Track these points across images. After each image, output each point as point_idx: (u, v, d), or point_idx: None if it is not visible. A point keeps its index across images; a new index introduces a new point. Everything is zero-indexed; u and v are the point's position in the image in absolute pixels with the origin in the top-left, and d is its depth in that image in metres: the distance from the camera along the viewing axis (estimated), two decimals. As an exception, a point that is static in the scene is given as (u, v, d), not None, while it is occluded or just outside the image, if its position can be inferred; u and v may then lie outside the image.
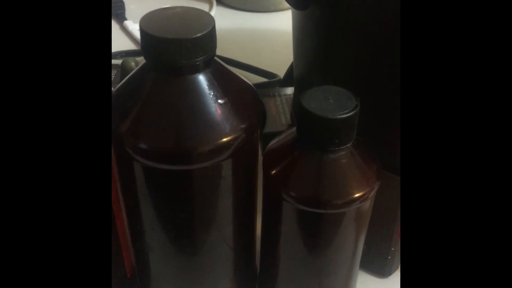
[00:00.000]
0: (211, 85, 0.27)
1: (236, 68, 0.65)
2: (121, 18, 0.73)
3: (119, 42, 0.69)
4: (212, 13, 0.77)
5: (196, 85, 0.27)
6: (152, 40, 0.26)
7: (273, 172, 0.31)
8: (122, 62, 0.42)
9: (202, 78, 0.27)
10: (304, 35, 0.43)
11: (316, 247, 0.32)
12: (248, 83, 0.31)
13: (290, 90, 0.55)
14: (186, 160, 0.27)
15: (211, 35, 0.26)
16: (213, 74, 0.28)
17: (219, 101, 0.27)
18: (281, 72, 0.61)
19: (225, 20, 0.77)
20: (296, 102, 0.29)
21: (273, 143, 0.32)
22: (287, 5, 0.81)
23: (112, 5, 0.74)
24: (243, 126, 0.28)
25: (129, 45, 0.69)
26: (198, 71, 0.27)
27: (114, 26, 0.73)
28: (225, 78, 0.29)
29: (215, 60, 0.28)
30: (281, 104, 0.51)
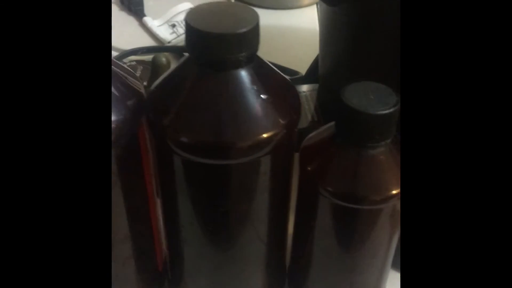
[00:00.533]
0: (253, 80, 0.27)
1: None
2: (140, 15, 0.73)
3: (139, 38, 0.69)
4: (231, 10, 0.77)
5: (239, 80, 0.27)
6: (198, 35, 0.26)
7: (310, 167, 0.31)
8: (153, 58, 0.43)
9: (245, 73, 0.27)
10: (332, 32, 0.43)
11: (350, 243, 0.32)
12: (287, 79, 0.31)
13: (311, 87, 0.55)
14: (228, 154, 0.28)
15: (256, 30, 0.27)
16: (255, 69, 0.28)
17: (261, 96, 0.28)
18: (300, 69, 0.61)
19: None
20: (336, 98, 0.29)
21: (309, 138, 0.32)
22: (305, 2, 0.81)
23: (131, 1, 0.74)
24: (283, 122, 0.28)
25: (149, 42, 0.69)
26: (241, 66, 0.27)
27: (133, 22, 0.73)
28: (266, 73, 0.29)
29: (257, 55, 0.28)
30: (305, 101, 0.52)
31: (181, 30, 0.70)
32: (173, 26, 0.71)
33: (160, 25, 0.71)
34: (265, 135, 0.28)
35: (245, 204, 0.31)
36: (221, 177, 0.29)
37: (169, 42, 0.68)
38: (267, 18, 0.78)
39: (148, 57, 0.63)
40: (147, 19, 0.72)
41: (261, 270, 0.35)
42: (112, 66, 0.30)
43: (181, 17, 0.72)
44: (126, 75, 0.30)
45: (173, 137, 0.28)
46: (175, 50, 0.66)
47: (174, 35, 0.69)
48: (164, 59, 0.42)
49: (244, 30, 0.26)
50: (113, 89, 0.29)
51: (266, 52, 0.70)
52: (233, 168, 0.29)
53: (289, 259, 0.38)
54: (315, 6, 0.81)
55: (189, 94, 0.28)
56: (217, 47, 0.26)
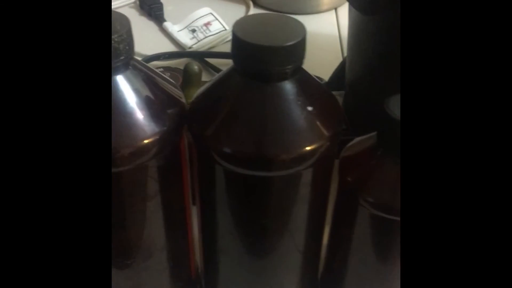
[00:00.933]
0: (298, 92, 0.28)
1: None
2: (161, 20, 0.73)
3: (160, 43, 0.70)
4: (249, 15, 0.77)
5: (284, 92, 0.27)
6: (245, 46, 0.26)
7: (350, 177, 0.31)
8: (185, 66, 0.43)
9: (290, 86, 0.27)
10: (363, 38, 0.43)
11: (388, 254, 0.32)
12: (329, 91, 0.31)
13: (336, 93, 0.55)
14: (271, 166, 0.28)
15: (302, 43, 0.27)
16: (299, 81, 0.28)
17: (306, 108, 0.28)
18: (320, 74, 0.61)
19: (262, 22, 0.77)
20: (380, 108, 0.29)
21: (349, 147, 0.32)
22: (325, 7, 0.81)
23: (151, 6, 0.75)
24: (327, 134, 0.28)
25: (169, 47, 0.69)
26: (286, 78, 0.27)
27: (153, 27, 0.74)
28: (310, 85, 0.29)
29: (301, 67, 0.28)
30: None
31: (201, 35, 0.70)
32: (193, 31, 0.71)
33: (180, 30, 0.71)
34: (308, 148, 0.28)
35: (285, 215, 0.31)
36: (263, 189, 0.29)
37: (190, 47, 0.68)
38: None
39: (172, 63, 0.63)
40: (167, 24, 0.72)
41: (296, 278, 0.36)
42: (153, 75, 0.30)
43: (201, 22, 0.72)
44: (166, 83, 0.31)
45: (216, 147, 0.28)
46: (196, 55, 0.66)
47: (194, 40, 0.69)
48: (196, 67, 0.42)
49: (292, 43, 0.26)
50: (154, 99, 0.29)
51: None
52: (275, 180, 0.29)
53: (322, 267, 0.38)
54: (333, 11, 0.81)
55: (233, 104, 0.28)
56: (264, 59, 0.26)
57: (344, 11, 0.77)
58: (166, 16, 0.75)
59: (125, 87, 0.27)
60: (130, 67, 0.28)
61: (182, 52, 0.67)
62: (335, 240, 0.35)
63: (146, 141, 0.27)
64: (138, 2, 0.78)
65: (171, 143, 0.29)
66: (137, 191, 0.30)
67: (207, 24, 0.72)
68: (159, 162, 0.29)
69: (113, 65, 0.26)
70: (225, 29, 0.72)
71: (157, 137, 0.28)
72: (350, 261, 0.34)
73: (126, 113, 0.27)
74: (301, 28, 0.27)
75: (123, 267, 0.32)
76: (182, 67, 0.45)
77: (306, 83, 0.28)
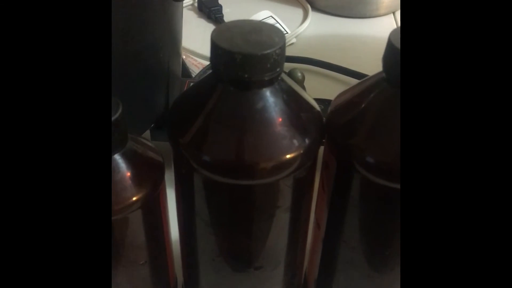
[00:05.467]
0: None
1: (338, 72, 0.65)
2: (221, 22, 0.74)
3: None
4: (308, 19, 0.78)
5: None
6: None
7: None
8: (289, 72, 0.42)
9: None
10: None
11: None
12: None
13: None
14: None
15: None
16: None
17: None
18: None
19: (321, 26, 0.77)
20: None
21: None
22: (383, 11, 0.81)
23: (211, 8, 0.76)
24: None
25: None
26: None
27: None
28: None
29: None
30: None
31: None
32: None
33: (240, 33, 0.72)
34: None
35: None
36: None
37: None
38: (345, 27, 0.78)
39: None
40: (227, 27, 0.73)
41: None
42: (293, 86, 0.30)
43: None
44: (304, 94, 0.31)
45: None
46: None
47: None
48: (300, 74, 0.42)
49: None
50: (300, 111, 0.29)
51: (344, 60, 0.71)
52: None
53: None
54: (391, 15, 0.80)
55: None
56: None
57: (403, 15, 0.77)
58: (225, 18, 0.76)
59: (277, 99, 0.28)
60: (279, 78, 0.28)
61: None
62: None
63: (292, 155, 0.28)
64: (196, 4, 0.79)
65: (313, 156, 0.30)
66: (277, 202, 0.30)
67: (268, 27, 0.73)
68: (301, 174, 0.29)
69: (269, 76, 0.27)
70: (287, 33, 0.73)
71: (299, 152, 0.28)
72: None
73: (277, 125, 0.28)
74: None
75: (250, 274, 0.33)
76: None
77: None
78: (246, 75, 0.26)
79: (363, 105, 0.29)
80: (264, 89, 0.27)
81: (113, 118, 0.27)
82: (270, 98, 0.27)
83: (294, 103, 0.29)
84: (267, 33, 0.27)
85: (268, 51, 0.26)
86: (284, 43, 0.27)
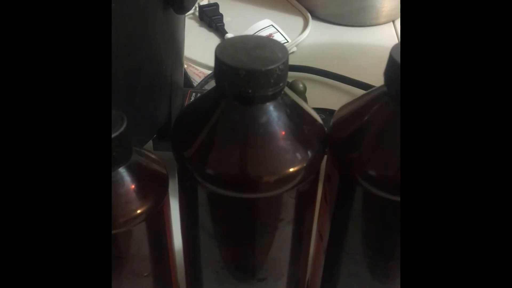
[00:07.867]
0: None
1: (338, 81, 0.65)
2: (223, 31, 0.75)
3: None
4: (308, 27, 0.78)
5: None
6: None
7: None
8: (291, 84, 0.43)
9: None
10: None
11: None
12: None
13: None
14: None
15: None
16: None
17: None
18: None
19: (321, 34, 0.78)
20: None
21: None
22: (383, 19, 0.81)
23: (212, 18, 0.77)
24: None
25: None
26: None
27: (216, 40, 0.75)
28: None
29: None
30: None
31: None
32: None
33: (241, 42, 0.72)
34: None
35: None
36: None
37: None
38: (345, 36, 0.79)
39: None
40: (229, 36, 0.73)
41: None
42: (295, 99, 0.30)
43: (263, 34, 0.73)
44: (306, 106, 0.31)
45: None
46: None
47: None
48: (301, 85, 0.42)
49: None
50: (302, 124, 0.29)
51: (344, 68, 0.71)
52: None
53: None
54: (391, 23, 0.81)
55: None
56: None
57: (403, 24, 0.77)
58: (226, 27, 0.76)
59: (280, 113, 0.28)
60: (282, 92, 0.28)
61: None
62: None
63: (295, 168, 0.28)
64: (197, 14, 0.80)
65: (315, 169, 0.30)
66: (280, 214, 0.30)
67: (269, 36, 0.73)
68: (304, 187, 0.30)
69: (273, 91, 0.27)
70: (288, 41, 0.73)
71: (303, 164, 0.28)
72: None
73: (280, 139, 0.28)
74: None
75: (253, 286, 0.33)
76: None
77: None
78: (250, 91, 0.27)
79: (365, 119, 0.30)
80: (267, 104, 0.28)
81: (117, 132, 0.28)
82: (273, 113, 0.28)
83: (296, 116, 0.29)
84: (271, 48, 0.27)
85: (272, 66, 0.26)
86: (287, 59, 0.27)
